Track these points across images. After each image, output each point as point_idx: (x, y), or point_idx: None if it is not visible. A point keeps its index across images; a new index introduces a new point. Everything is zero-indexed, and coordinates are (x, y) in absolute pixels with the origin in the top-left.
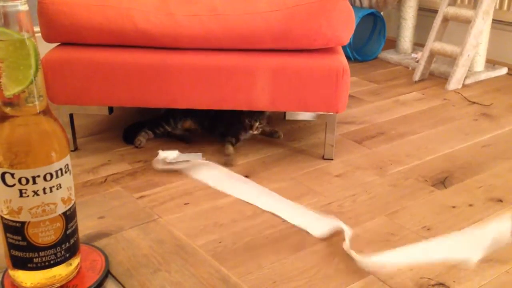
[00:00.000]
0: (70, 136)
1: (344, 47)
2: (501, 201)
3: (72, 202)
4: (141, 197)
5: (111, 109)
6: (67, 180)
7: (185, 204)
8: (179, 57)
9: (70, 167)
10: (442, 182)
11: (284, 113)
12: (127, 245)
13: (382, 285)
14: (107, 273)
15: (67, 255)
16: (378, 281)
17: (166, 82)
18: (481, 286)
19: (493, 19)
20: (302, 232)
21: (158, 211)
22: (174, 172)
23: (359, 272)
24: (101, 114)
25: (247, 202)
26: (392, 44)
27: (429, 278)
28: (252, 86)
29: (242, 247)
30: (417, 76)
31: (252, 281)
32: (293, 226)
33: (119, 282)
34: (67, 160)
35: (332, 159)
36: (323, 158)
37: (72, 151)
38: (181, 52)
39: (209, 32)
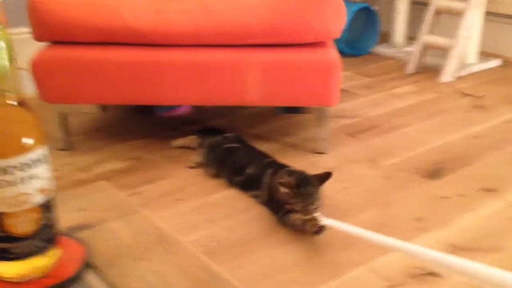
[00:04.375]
0: (62, 135)
1: (337, 42)
2: (492, 191)
3: (50, 193)
4: (134, 193)
5: (103, 107)
6: (44, 171)
7: (178, 200)
8: (170, 53)
9: (47, 158)
10: (434, 173)
11: (276, 108)
12: (109, 236)
13: (373, 275)
14: (87, 264)
15: (46, 245)
16: (370, 272)
17: (157, 79)
18: None
19: (486, 11)
20: None
21: (151, 208)
22: (166, 168)
23: (350, 263)
24: (93, 112)
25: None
26: (386, 38)
27: (420, 268)
28: (243, 82)
29: (235, 241)
30: (410, 69)
31: (244, 275)
32: None
33: (100, 272)
34: (43, 150)
35: (325, 153)
36: (316, 152)
37: (65, 150)
38: (171, 49)
39: (200, 28)
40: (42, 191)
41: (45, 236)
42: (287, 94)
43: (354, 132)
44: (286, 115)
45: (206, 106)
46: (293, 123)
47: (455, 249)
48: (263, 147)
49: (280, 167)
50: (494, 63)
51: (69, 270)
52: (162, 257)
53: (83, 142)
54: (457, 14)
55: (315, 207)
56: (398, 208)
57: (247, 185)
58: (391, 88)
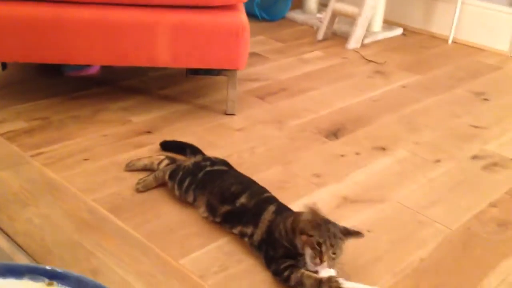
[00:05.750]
0: None
1: (252, 6)
2: (384, 149)
3: None
4: (38, 154)
5: (4, 65)
6: None
7: (85, 160)
8: (76, 11)
9: None
10: (334, 133)
11: (186, 69)
12: None
13: None
14: None
15: None
16: None
17: (61, 37)
18: (360, 221)
19: None
20: None
21: (56, 168)
22: (74, 129)
23: None
24: None
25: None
26: (299, 4)
27: None
28: (153, 43)
29: (140, 198)
30: (320, 35)
31: (149, 229)
32: None
33: None
34: None
35: (234, 115)
36: (225, 113)
37: None
38: (77, 6)
39: None
40: None
41: None
42: (197, 56)
43: (264, 95)
44: (197, 77)
45: (116, 66)
46: (204, 85)
47: (346, 201)
48: (174, 108)
49: (284, 206)
50: (396, 31)
51: None
52: (50, 203)
53: None
54: None
55: (332, 252)
56: (299, 166)
57: (235, 217)
58: (301, 53)
